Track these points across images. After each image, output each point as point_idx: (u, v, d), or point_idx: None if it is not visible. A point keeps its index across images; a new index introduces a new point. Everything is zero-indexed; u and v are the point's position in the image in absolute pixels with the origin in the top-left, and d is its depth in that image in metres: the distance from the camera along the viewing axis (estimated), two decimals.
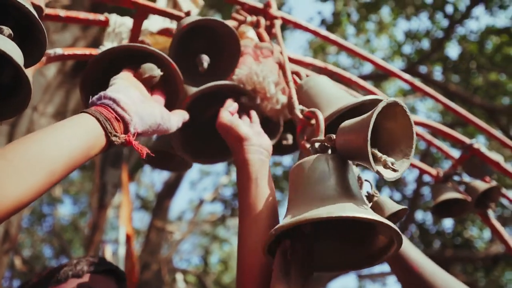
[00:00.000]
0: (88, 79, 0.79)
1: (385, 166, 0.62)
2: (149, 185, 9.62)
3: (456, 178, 1.39)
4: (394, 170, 0.62)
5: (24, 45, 0.66)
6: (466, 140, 1.42)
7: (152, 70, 0.77)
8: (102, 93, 0.69)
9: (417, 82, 1.53)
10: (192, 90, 1.07)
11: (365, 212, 0.59)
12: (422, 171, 1.50)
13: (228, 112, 0.88)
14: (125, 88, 0.71)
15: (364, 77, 5.29)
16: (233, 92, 0.94)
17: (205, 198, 8.55)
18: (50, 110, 3.40)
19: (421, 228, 6.47)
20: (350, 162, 0.70)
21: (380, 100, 0.79)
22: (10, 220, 2.73)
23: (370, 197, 0.83)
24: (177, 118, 0.80)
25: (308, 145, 0.74)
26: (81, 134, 0.60)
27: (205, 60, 0.87)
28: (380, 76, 5.85)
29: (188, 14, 0.92)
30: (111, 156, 4.56)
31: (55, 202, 8.77)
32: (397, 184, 6.46)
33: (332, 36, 1.38)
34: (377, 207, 0.81)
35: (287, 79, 0.94)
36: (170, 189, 6.50)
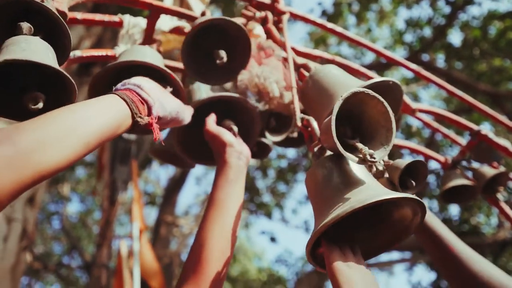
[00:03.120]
0: (95, 86, 0.84)
1: (364, 157, 0.65)
2: (155, 181, 9.68)
3: (464, 164, 1.41)
4: (372, 161, 0.65)
5: None
6: (473, 126, 1.44)
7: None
8: (125, 81, 0.72)
9: (423, 71, 1.54)
10: (197, 92, 1.12)
11: (385, 193, 0.62)
12: (430, 158, 1.52)
13: (213, 121, 0.97)
14: (145, 79, 0.76)
15: (366, 67, 5.28)
16: (236, 103, 1.00)
17: None
18: None
19: None
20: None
21: (386, 81, 0.83)
22: (26, 218, 2.80)
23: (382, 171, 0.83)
24: (189, 112, 0.87)
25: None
26: (112, 113, 0.63)
27: (223, 54, 0.91)
28: (382, 65, 5.84)
29: (203, 14, 0.95)
30: (120, 153, 4.62)
31: (64, 200, 8.87)
32: None
33: (338, 28, 1.40)
34: (393, 170, 0.81)
35: (290, 85, 0.95)
36: (176, 184, 6.56)
